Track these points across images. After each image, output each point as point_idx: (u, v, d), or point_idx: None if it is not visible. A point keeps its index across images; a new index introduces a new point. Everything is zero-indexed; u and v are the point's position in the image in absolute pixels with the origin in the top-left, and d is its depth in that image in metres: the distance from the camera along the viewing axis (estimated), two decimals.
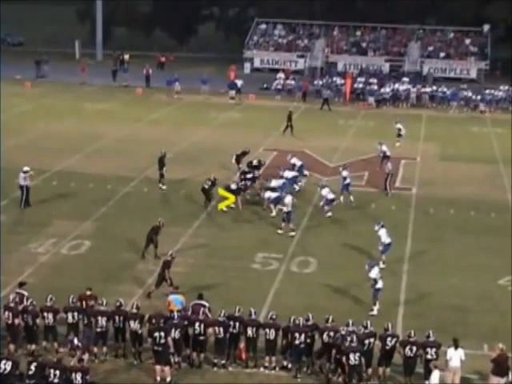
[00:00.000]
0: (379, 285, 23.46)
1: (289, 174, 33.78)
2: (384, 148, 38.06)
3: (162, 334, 19.62)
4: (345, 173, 33.30)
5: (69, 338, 19.83)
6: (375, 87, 57.26)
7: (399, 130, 43.61)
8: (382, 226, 27.11)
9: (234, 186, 32.17)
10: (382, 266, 26.28)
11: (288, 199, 29.94)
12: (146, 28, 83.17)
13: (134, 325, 20.41)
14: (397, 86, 57.51)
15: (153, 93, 58.05)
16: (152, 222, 27.23)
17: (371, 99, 55.90)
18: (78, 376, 18.16)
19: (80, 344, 19.08)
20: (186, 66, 68.35)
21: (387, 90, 56.70)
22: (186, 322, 20.31)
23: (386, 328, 20.12)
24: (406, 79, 60.11)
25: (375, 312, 23.24)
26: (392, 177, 34.98)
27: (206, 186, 32.06)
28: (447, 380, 19.53)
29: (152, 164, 37.38)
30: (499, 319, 23.23)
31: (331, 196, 31.45)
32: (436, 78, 64.29)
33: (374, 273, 23.57)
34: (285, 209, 29.85)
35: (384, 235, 26.98)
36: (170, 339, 19.71)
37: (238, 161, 36.00)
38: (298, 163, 35.20)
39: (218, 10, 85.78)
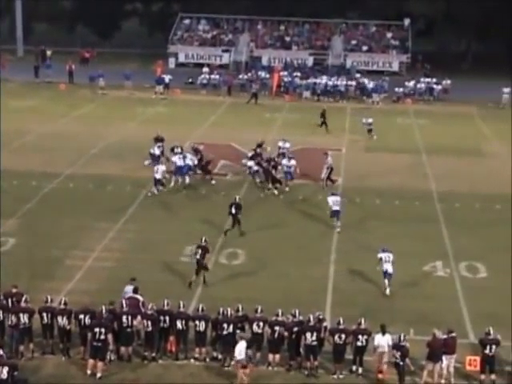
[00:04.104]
0: (384, 268, 24.33)
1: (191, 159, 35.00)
2: (287, 145, 37.80)
3: (103, 329, 19.47)
4: (249, 163, 34.77)
5: None
6: (310, 80, 57.80)
7: (369, 124, 44.26)
8: (333, 194, 29.02)
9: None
10: (338, 230, 28.54)
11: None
12: (69, 23, 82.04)
13: (61, 321, 20.19)
14: (325, 79, 58.09)
15: (77, 89, 57.34)
16: (78, 218, 27.00)
17: (306, 93, 56.43)
18: (5, 370, 17.92)
19: (4, 355, 18.57)
20: (110, 61, 67.62)
21: (322, 82, 57.27)
22: (112, 316, 20.18)
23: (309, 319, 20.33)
24: (357, 75, 60.60)
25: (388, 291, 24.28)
26: (332, 171, 35.27)
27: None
28: (375, 365, 19.90)
29: (77, 160, 37.20)
30: (425, 304, 23.71)
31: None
32: (359, 70, 65.06)
33: (382, 255, 24.65)
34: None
35: (332, 202, 28.97)
36: (110, 336, 19.57)
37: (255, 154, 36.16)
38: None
39: (142, 6, 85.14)
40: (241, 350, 19.31)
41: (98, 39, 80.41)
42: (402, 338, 19.45)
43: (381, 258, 24.62)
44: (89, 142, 41.06)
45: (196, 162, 35.17)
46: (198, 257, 24.51)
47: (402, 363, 19.29)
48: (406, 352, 19.32)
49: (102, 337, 19.44)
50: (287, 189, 33.97)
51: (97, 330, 19.47)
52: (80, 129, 44.60)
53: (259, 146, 37.15)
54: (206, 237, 25.23)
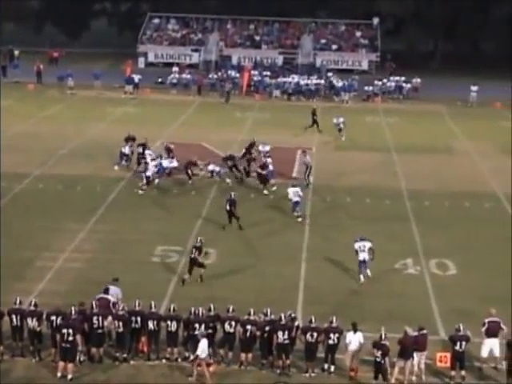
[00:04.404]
0: (361, 257, 24.85)
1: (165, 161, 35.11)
2: (267, 148, 37.62)
3: (71, 331, 19.33)
4: (210, 167, 34.89)
5: None
6: (280, 79, 58.08)
7: (340, 123, 44.23)
8: (293, 186, 30.43)
9: None
10: (298, 220, 29.83)
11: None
12: (37, 23, 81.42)
13: (31, 322, 20.03)
14: (296, 78, 58.24)
15: (45, 89, 56.94)
16: (48, 219, 26.80)
17: (276, 92, 56.69)
18: None
19: None
20: (79, 61, 67.16)
21: (293, 81, 57.36)
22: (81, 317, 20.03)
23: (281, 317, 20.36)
24: (330, 74, 60.65)
25: (362, 280, 24.99)
26: (311, 169, 35.34)
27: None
28: (347, 363, 19.97)
29: (46, 160, 36.98)
30: (395, 302, 23.82)
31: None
32: (329, 69, 65.24)
33: (357, 245, 25.17)
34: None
35: (292, 193, 30.17)
36: (78, 337, 19.44)
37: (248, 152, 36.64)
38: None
39: (110, 5, 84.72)
40: (203, 348, 19.30)
41: (67, 39, 79.88)
42: (382, 336, 19.50)
43: (356, 251, 25.05)
44: (58, 143, 40.82)
45: (176, 165, 35.14)
46: (192, 256, 24.75)
47: (382, 362, 19.36)
48: (387, 351, 19.36)
49: (71, 338, 19.28)
50: (266, 192, 33.96)
51: (65, 331, 19.32)
52: (49, 129, 44.32)
53: (251, 145, 37.11)
54: (201, 237, 25.41)
